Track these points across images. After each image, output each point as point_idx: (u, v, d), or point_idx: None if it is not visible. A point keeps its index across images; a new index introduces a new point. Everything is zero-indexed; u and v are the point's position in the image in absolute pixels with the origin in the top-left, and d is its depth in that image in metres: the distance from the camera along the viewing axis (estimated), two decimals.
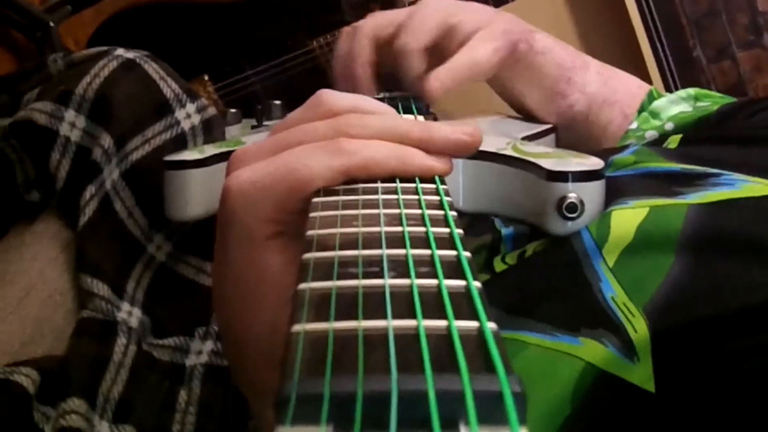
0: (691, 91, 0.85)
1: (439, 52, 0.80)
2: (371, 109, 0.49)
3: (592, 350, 0.51)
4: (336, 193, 0.43)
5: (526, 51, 0.82)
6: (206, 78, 1.28)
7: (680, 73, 1.97)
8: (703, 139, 0.73)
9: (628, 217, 0.57)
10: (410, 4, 0.92)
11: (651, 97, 0.86)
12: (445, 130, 0.47)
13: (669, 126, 0.80)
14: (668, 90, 1.91)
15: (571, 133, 0.87)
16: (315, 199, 0.42)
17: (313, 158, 0.44)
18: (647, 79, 1.92)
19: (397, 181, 0.44)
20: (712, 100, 0.83)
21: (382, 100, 0.77)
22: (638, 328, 0.51)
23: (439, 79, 0.78)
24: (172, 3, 1.23)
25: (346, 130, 0.45)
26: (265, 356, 0.47)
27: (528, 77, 0.84)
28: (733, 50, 2.03)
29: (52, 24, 1.19)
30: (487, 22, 0.81)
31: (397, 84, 0.83)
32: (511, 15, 0.85)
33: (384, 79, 0.83)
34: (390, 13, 0.82)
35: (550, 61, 0.84)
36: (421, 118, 0.73)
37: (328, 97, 0.49)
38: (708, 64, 2.04)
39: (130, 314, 0.77)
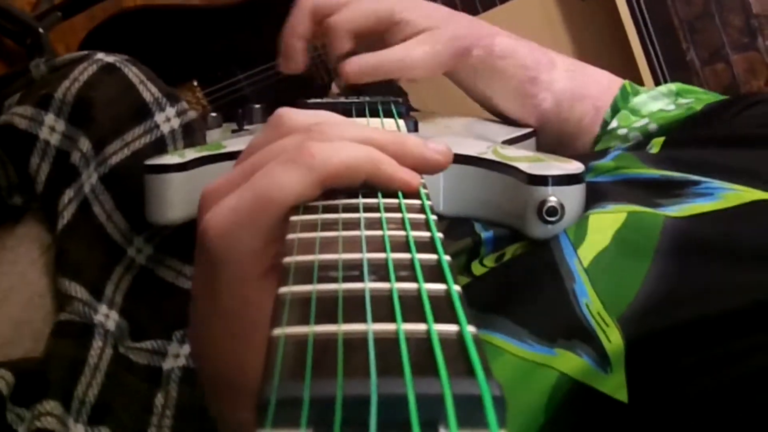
0: (673, 86, 0.85)
1: (380, 41, 0.81)
2: (338, 122, 0.47)
3: (567, 361, 0.52)
4: (315, 208, 0.42)
5: (483, 56, 0.83)
6: (195, 83, 1.28)
7: (673, 75, 1.96)
8: (686, 141, 0.73)
9: (606, 222, 0.57)
10: None
11: (625, 92, 0.86)
12: (419, 145, 0.45)
13: (653, 127, 0.80)
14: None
15: (547, 131, 0.87)
16: (293, 218, 0.41)
17: (285, 175, 0.41)
18: (640, 81, 1.92)
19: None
20: (695, 96, 0.83)
21: (361, 104, 0.77)
22: (612, 339, 0.51)
23: (359, 64, 0.79)
24: (162, 8, 1.23)
25: (317, 139, 0.43)
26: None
27: (490, 81, 0.85)
28: (727, 53, 2.03)
29: (42, 30, 1.18)
30: (437, 25, 0.81)
31: (376, 88, 0.83)
32: (470, 19, 0.85)
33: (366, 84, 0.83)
34: None
35: (511, 64, 0.84)
36: (401, 121, 0.73)
37: (289, 114, 0.47)
38: (701, 66, 2.04)
39: (107, 317, 0.77)
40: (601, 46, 2.01)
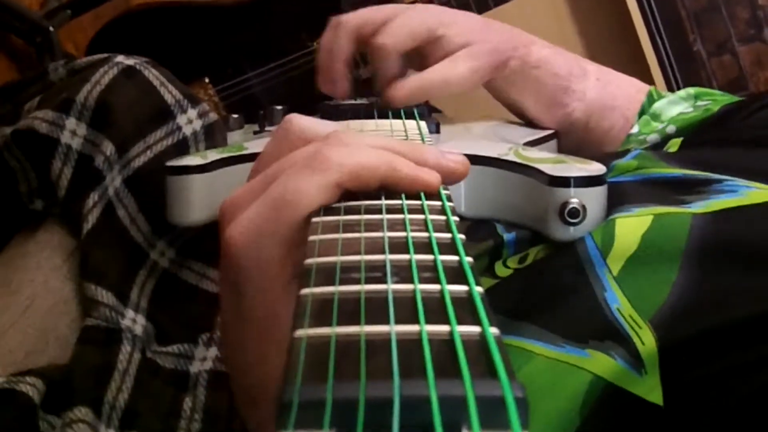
0: (691, 90, 0.85)
1: (421, 57, 0.81)
2: (353, 133, 0.47)
3: (600, 363, 0.51)
4: (337, 210, 0.42)
5: (519, 66, 0.83)
6: (207, 81, 1.28)
7: (680, 67, 1.96)
8: (704, 142, 0.72)
9: (632, 226, 0.56)
10: (411, 2, 0.92)
11: (651, 99, 0.86)
12: (436, 155, 0.46)
13: (671, 129, 0.80)
14: (669, 84, 1.92)
15: (572, 138, 0.87)
16: (314, 219, 0.41)
17: (302, 181, 0.42)
18: (648, 74, 1.93)
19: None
20: (712, 98, 0.83)
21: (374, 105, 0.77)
22: (645, 341, 0.50)
23: (406, 88, 0.78)
24: (172, 6, 1.23)
25: (335, 144, 0.44)
26: None
27: (524, 89, 0.85)
28: (734, 44, 2.03)
29: (51, 29, 1.19)
30: (477, 38, 0.80)
31: None
32: (506, 27, 0.85)
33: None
34: (377, 9, 0.82)
35: (545, 73, 0.84)
36: (423, 123, 0.73)
37: (300, 123, 0.48)
38: (708, 58, 2.03)
39: (134, 321, 0.77)
40: (609, 39, 2.01)
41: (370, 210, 0.41)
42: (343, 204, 0.42)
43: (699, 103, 0.83)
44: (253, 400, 0.50)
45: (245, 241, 0.43)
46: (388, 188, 0.43)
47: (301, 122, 0.48)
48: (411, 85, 0.79)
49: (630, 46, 1.97)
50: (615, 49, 1.99)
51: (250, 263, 0.43)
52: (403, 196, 0.43)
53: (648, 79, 1.92)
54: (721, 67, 2.02)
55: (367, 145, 0.44)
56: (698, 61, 2.02)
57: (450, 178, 0.46)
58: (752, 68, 2.02)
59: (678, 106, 0.84)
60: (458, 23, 0.81)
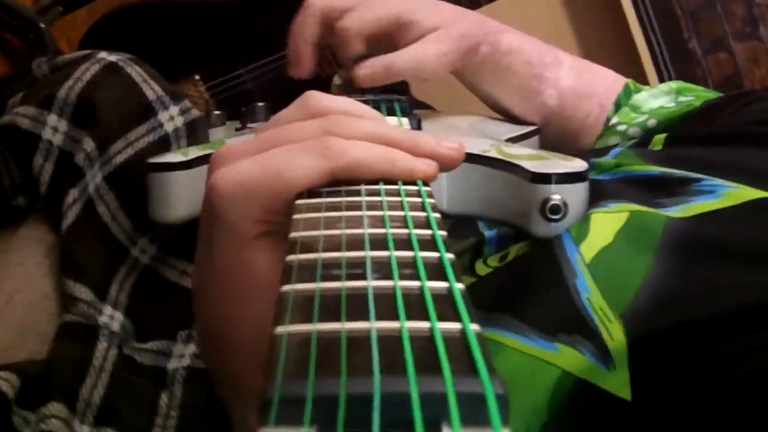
0: (673, 84, 0.86)
1: (389, 42, 0.81)
2: (360, 113, 0.49)
3: (569, 358, 0.51)
4: (319, 194, 0.43)
5: (489, 52, 0.83)
6: (197, 77, 1.27)
7: (675, 65, 1.97)
8: (688, 139, 0.73)
9: (608, 220, 0.57)
10: None
11: (628, 90, 0.86)
12: (432, 142, 0.47)
13: (652, 123, 0.80)
14: (663, 82, 1.92)
15: (550, 128, 0.87)
16: (299, 201, 0.42)
17: (299, 159, 0.43)
18: (642, 71, 1.94)
19: (381, 182, 0.44)
20: (695, 94, 0.83)
21: (365, 101, 0.77)
22: (614, 335, 0.51)
23: (372, 68, 0.79)
24: (165, 2, 1.23)
25: (335, 130, 0.45)
26: (250, 357, 0.47)
27: (496, 77, 0.85)
28: (729, 42, 2.03)
29: (43, 25, 1.18)
30: (445, 23, 0.81)
31: (386, 88, 0.83)
32: (478, 15, 0.85)
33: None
34: None
35: (517, 60, 0.84)
36: (405, 119, 0.73)
37: (318, 97, 0.49)
38: (704, 56, 2.04)
39: (112, 318, 0.77)
40: (603, 36, 2.02)
41: (351, 206, 0.41)
42: (325, 200, 0.42)
43: (681, 98, 0.83)
44: (223, 357, 0.51)
45: (227, 192, 0.44)
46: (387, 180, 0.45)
47: (321, 98, 0.49)
48: (375, 64, 0.79)
49: (625, 43, 1.98)
50: (610, 46, 2.00)
51: (225, 213, 0.45)
52: (382, 192, 0.43)
53: (642, 76, 1.93)
54: (717, 65, 2.03)
55: (367, 134, 0.45)
56: (693, 59, 2.03)
57: (447, 163, 0.47)
58: (748, 66, 2.03)
59: (659, 99, 0.84)
60: (428, 9, 0.82)
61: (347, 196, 0.42)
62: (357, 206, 0.41)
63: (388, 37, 0.81)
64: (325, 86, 0.85)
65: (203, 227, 0.48)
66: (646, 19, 1.97)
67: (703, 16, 2.03)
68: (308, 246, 0.36)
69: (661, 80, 1.93)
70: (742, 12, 2.03)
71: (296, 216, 0.40)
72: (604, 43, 2.00)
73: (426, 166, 0.45)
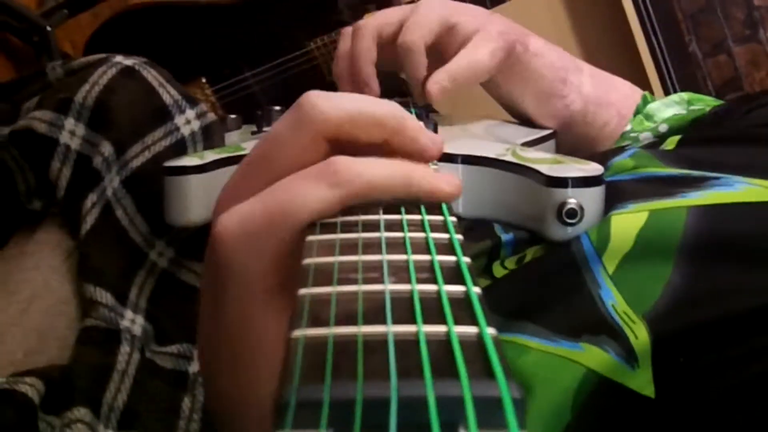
0: (684, 95, 0.86)
1: (437, 52, 0.81)
2: (370, 111, 0.44)
3: (594, 356, 0.51)
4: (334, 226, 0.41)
5: (521, 53, 0.83)
6: (204, 81, 1.28)
7: (676, 68, 1.98)
8: (701, 140, 0.73)
9: (628, 223, 0.56)
10: (409, 2, 0.92)
11: (645, 101, 0.87)
12: (417, 130, 0.45)
13: (663, 127, 0.81)
14: (664, 84, 1.93)
15: (569, 135, 0.87)
16: (309, 238, 0.38)
17: (305, 190, 0.39)
18: (643, 74, 1.94)
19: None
20: (705, 103, 0.84)
21: None
22: (639, 335, 0.51)
23: (439, 82, 0.78)
24: (169, 5, 1.23)
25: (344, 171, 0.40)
26: (257, 425, 0.42)
27: (524, 78, 0.85)
28: (729, 45, 2.04)
29: (49, 28, 1.19)
30: (483, 24, 0.81)
31: (392, 90, 0.83)
32: (504, 17, 0.85)
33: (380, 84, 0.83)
34: (391, 11, 0.83)
35: (545, 63, 0.84)
36: (421, 124, 0.73)
37: (314, 102, 0.44)
38: (704, 58, 2.05)
39: (133, 322, 0.77)
40: (605, 39, 2.02)
41: (368, 211, 0.41)
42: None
43: (692, 107, 0.84)
44: (224, 410, 0.47)
45: (234, 237, 0.40)
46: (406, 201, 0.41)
47: (320, 104, 0.43)
48: (441, 77, 0.79)
49: (626, 46, 1.98)
50: (611, 49, 2.00)
51: (235, 263, 0.41)
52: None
53: (644, 79, 1.93)
54: (717, 68, 2.03)
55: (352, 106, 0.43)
56: (694, 62, 2.03)
57: (421, 157, 0.44)
58: (748, 68, 2.03)
59: (671, 108, 0.85)
60: (463, 11, 0.82)
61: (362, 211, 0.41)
62: (373, 210, 0.41)
63: (436, 47, 0.81)
64: (329, 89, 0.85)
65: (211, 284, 0.44)
66: (648, 23, 1.97)
67: (704, 20, 2.04)
68: (325, 250, 0.36)
69: (662, 82, 1.94)
70: (742, 15, 2.03)
71: (310, 238, 0.38)
72: (605, 46, 2.00)
73: (448, 187, 0.42)
